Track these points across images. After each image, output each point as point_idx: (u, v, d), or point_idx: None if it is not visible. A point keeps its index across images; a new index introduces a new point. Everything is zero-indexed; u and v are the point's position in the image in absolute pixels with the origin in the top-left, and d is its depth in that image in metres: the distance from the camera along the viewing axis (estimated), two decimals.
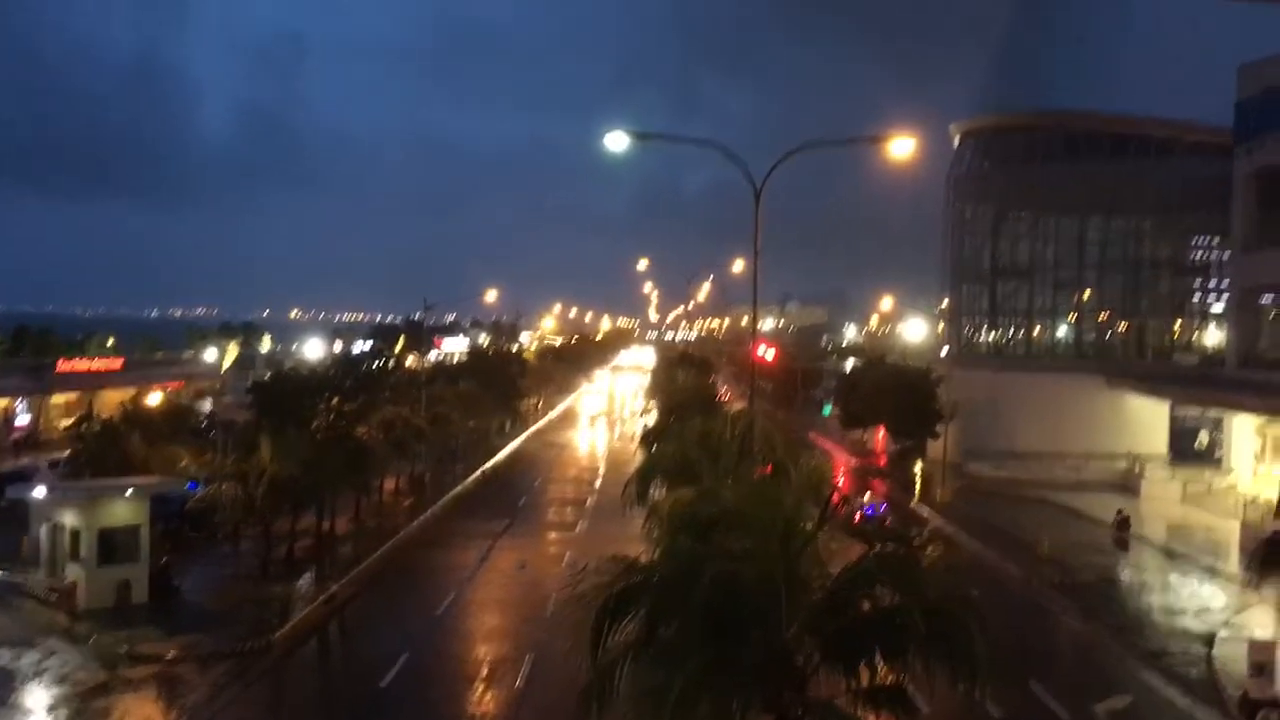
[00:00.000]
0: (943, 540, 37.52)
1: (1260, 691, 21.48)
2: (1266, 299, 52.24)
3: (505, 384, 74.49)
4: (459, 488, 52.26)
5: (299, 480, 34.17)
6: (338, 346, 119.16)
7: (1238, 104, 48.30)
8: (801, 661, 11.85)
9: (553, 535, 42.37)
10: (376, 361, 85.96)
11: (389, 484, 47.71)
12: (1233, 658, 24.89)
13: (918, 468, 56.66)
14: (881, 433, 67.28)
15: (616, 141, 25.10)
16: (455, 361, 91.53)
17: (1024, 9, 67.51)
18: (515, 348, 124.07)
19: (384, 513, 44.45)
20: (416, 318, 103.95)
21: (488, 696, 23.72)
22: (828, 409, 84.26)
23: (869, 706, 11.73)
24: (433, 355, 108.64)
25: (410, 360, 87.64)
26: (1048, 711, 22.74)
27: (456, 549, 39.57)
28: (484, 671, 25.42)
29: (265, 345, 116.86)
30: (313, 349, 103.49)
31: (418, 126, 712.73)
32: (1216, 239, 59.02)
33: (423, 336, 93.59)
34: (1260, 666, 21.64)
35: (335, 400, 44.07)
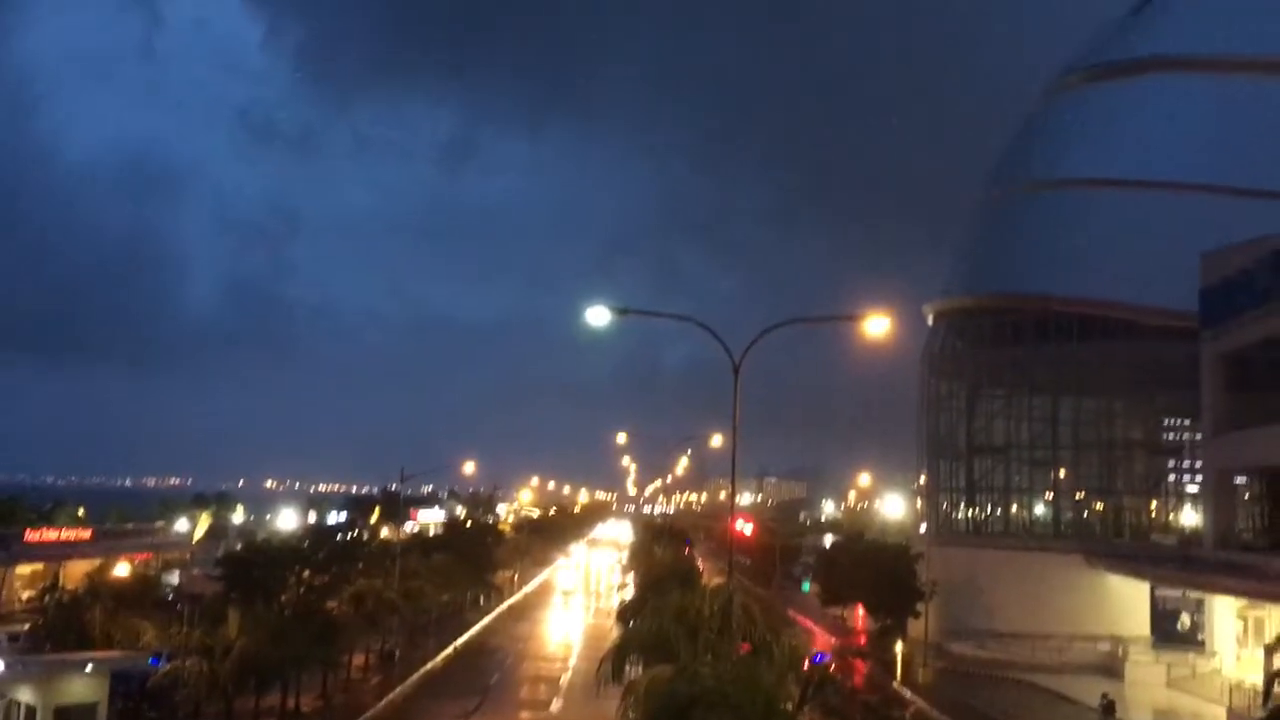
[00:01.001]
0: None
1: None
2: (1240, 480, 52.72)
3: (481, 557, 73.55)
4: (430, 664, 50.94)
5: (267, 655, 33.34)
6: (312, 517, 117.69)
7: (1202, 290, 49.87)
8: None
9: (525, 715, 41.14)
10: (350, 533, 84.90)
11: (358, 659, 46.49)
12: None
13: (898, 647, 55.70)
14: (861, 611, 66.42)
15: (598, 316, 25.72)
16: (431, 533, 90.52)
17: (991, 198, 70.13)
18: (492, 520, 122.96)
19: (352, 690, 43.16)
20: (393, 488, 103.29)
21: None
22: (806, 585, 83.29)
23: None
24: (408, 526, 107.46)
25: (385, 532, 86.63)
26: None
27: None
28: None
29: (238, 516, 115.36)
30: (286, 520, 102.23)
31: (403, 299, 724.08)
32: (1187, 420, 59.95)
33: (398, 507, 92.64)
34: None
35: (306, 573, 43.42)
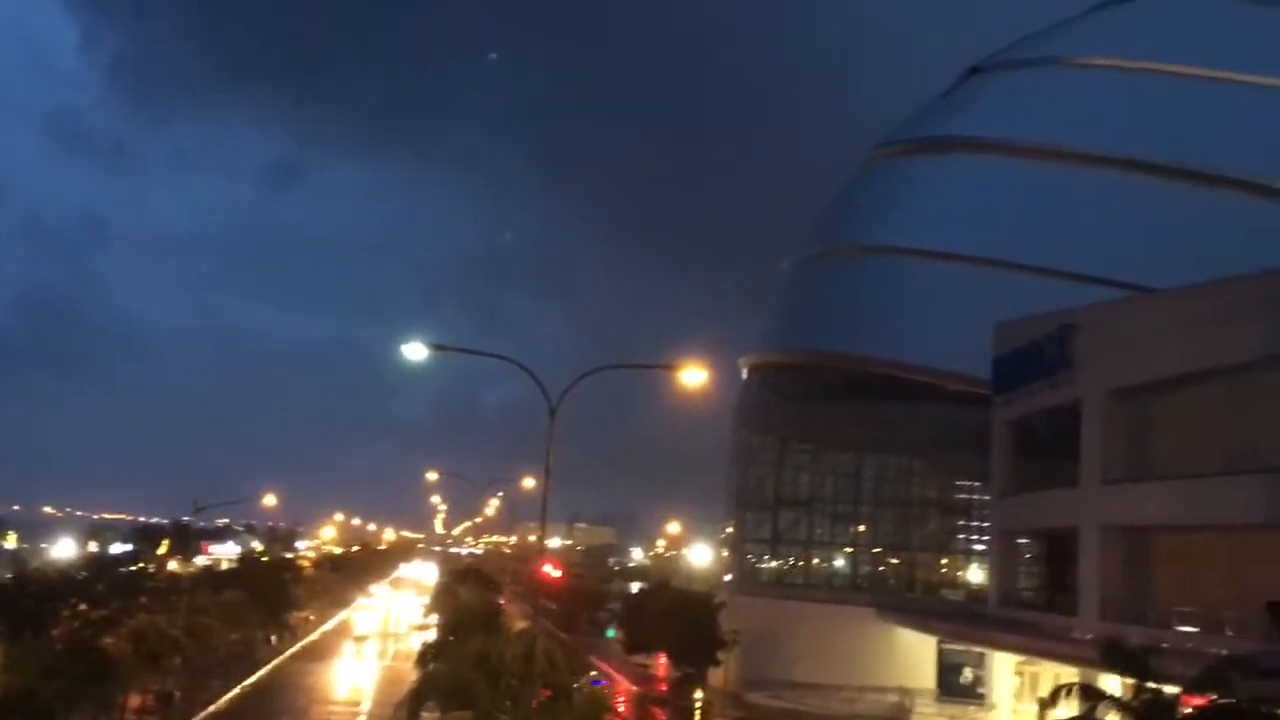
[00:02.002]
0: None
1: None
2: (1022, 541, 55.68)
3: (276, 595, 70.47)
4: (213, 706, 48.25)
5: (35, 693, 30.83)
6: (94, 547, 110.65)
7: (995, 359, 52.69)
8: None
9: None
10: (135, 565, 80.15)
11: (135, 700, 43.61)
12: None
13: (698, 695, 56.17)
14: (663, 658, 66.70)
15: (415, 351, 25.22)
16: (223, 568, 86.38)
17: (807, 258, 72.69)
18: (291, 556, 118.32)
19: None
20: (184, 520, 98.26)
21: None
22: (611, 632, 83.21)
23: None
24: (199, 560, 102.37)
25: (173, 565, 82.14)
26: None
27: None
28: None
29: (10, 542, 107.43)
30: (64, 548, 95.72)
31: (215, 323, 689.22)
32: (978, 482, 62.99)
33: (189, 540, 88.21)
34: None
35: (82, 606, 40.64)
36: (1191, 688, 25.36)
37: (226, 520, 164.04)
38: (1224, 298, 36.75)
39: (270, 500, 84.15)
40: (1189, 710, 24.94)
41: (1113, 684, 27.96)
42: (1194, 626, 35.83)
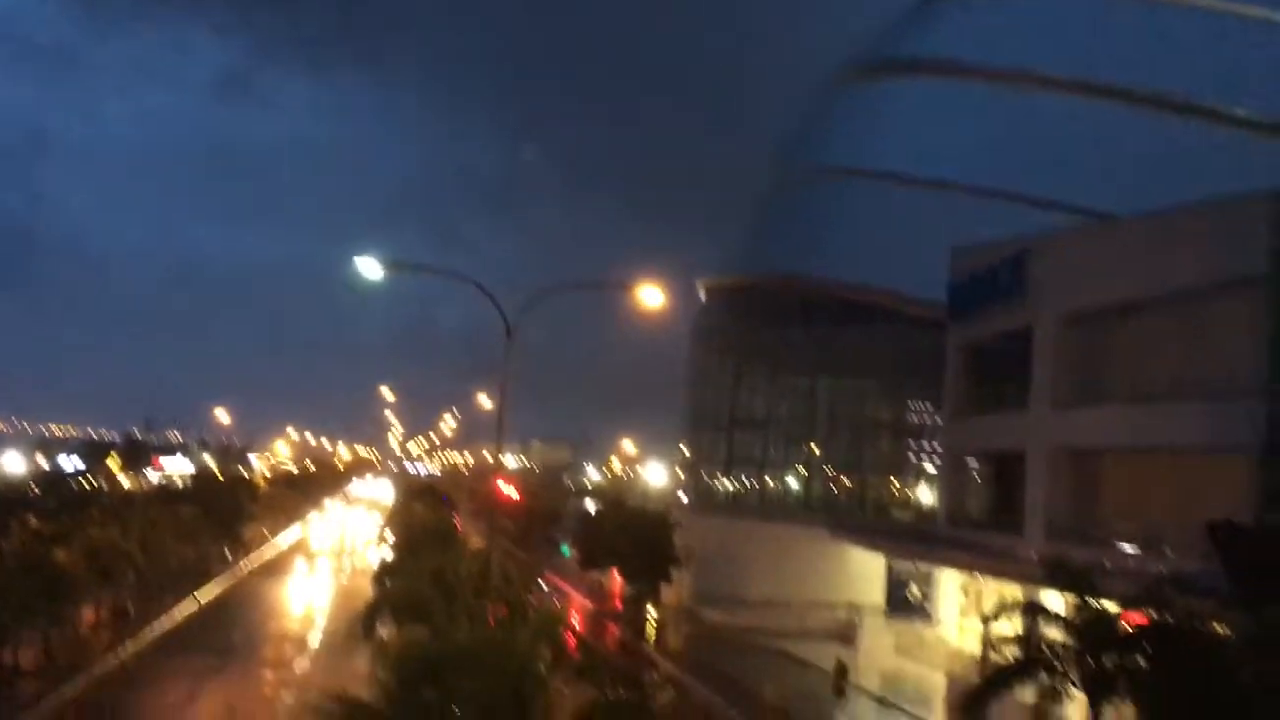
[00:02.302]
0: (673, 686, 37.70)
1: None
2: (972, 463, 56.60)
3: (230, 510, 70.45)
4: (170, 621, 48.40)
5: None
6: (42, 461, 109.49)
7: (951, 283, 52.99)
8: None
9: (270, 674, 39.69)
10: (87, 480, 79.49)
11: (89, 615, 43.60)
12: None
13: (652, 612, 57.11)
14: (618, 575, 67.59)
15: (369, 268, 24.89)
16: (177, 484, 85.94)
17: (770, 181, 72.38)
18: (244, 472, 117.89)
19: (79, 647, 40.42)
20: (137, 435, 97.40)
21: None
22: (566, 549, 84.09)
23: None
24: (152, 476, 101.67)
25: (126, 480, 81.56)
26: None
27: (159, 689, 36.32)
28: None
29: None
30: (12, 462, 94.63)
31: (167, 237, 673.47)
32: (931, 405, 63.82)
33: (142, 455, 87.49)
34: None
35: (33, 520, 40.31)
36: (1130, 605, 26.08)
37: (178, 435, 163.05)
38: (1177, 225, 37.04)
39: (222, 416, 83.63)
40: (1128, 626, 25.70)
41: (1055, 601, 28.67)
42: (1136, 546, 36.77)
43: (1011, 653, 26.28)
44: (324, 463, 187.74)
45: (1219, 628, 22.91)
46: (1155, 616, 25.07)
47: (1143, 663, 24.28)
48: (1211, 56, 53.83)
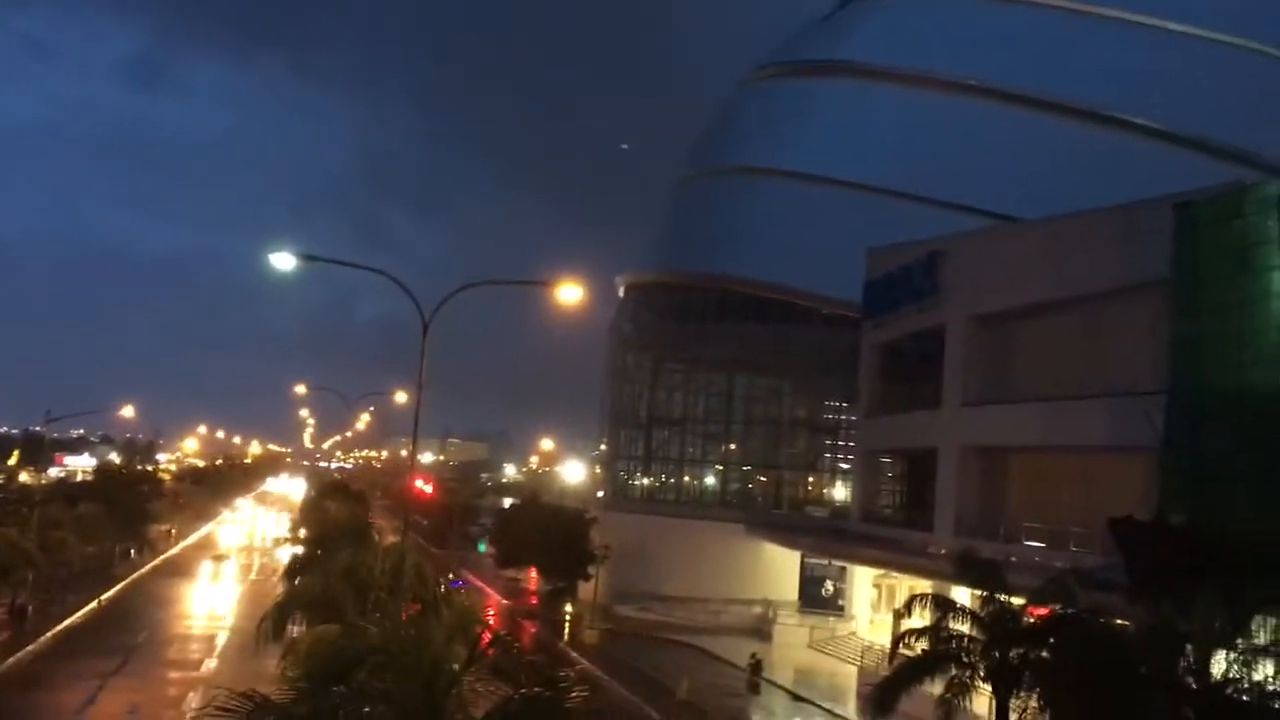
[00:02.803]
0: (588, 683, 37.56)
1: None
2: (885, 460, 57.54)
3: (135, 508, 68.63)
4: (68, 621, 46.94)
5: None
6: None
7: (866, 283, 53.83)
8: None
9: (175, 675, 38.68)
10: None
11: None
12: None
13: (568, 609, 57.03)
14: (534, 573, 67.37)
15: (282, 261, 24.45)
16: (79, 480, 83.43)
17: (685, 179, 72.70)
18: (151, 469, 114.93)
19: None
20: (37, 430, 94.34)
21: None
22: (483, 546, 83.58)
23: None
24: (53, 472, 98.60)
25: (25, 476, 78.93)
26: None
27: (57, 690, 35.16)
28: None
29: None
30: None
31: (72, 225, 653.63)
32: (845, 404, 64.72)
33: (43, 451, 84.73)
34: None
35: None
36: (1036, 599, 26.74)
37: (81, 431, 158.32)
38: (1081, 229, 38.08)
39: (128, 411, 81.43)
40: (1032, 620, 26.33)
41: (964, 596, 29.27)
42: (1042, 542, 37.72)
43: (921, 646, 26.75)
44: (235, 460, 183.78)
45: (1120, 621, 23.58)
46: (1059, 610, 25.75)
47: (1047, 655, 24.89)
48: (1118, 66, 55.44)
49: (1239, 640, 20.24)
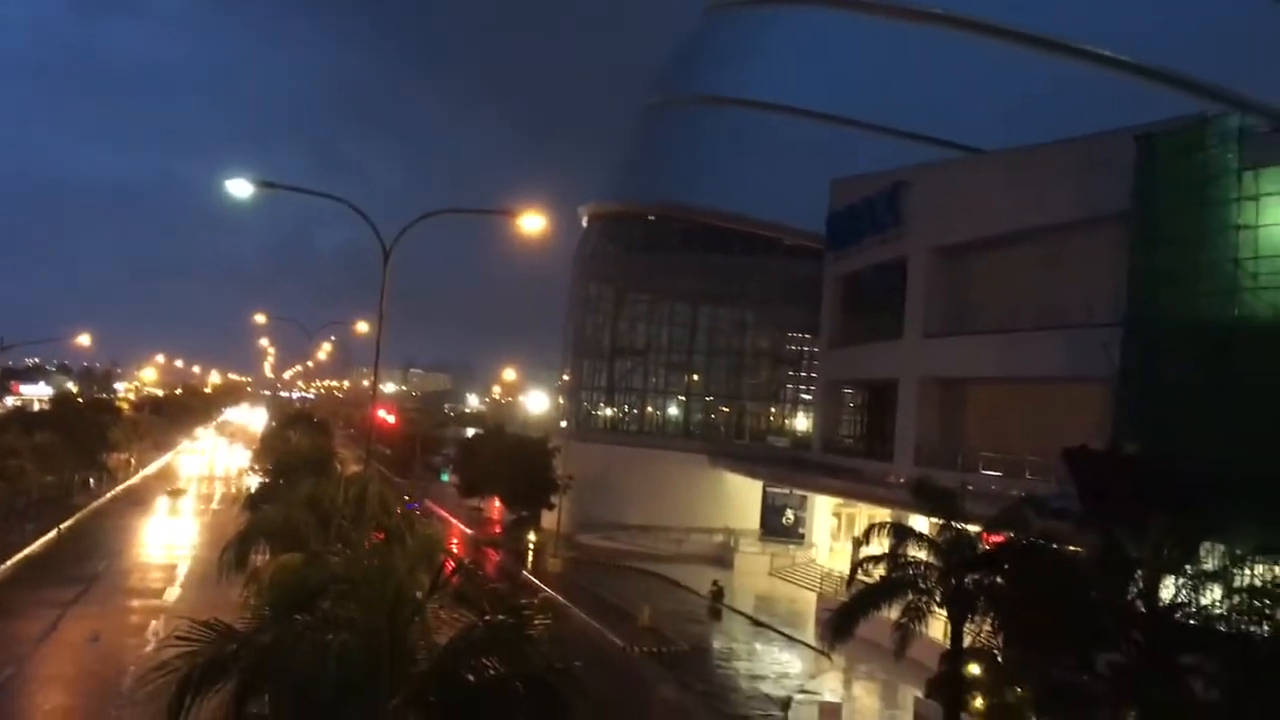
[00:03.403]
0: (551, 610, 37.94)
1: None
2: (847, 391, 58.02)
3: (93, 437, 67.97)
4: (27, 549, 46.70)
5: None
6: None
7: (829, 214, 53.74)
8: None
9: (136, 603, 38.69)
10: None
11: None
12: None
13: (531, 538, 57.47)
14: (498, 502, 67.72)
15: (239, 188, 24.03)
16: (35, 409, 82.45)
17: (649, 108, 71.85)
18: (109, 398, 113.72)
19: None
20: None
21: None
22: (445, 476, 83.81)
23: None
24: (8, 401, 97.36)
25: None
26: None
27: (18, 619, 35.05)
28: None
29: None
30: None
31: (17, 151, 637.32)
32: (808, 335, 65.02)
33: None
34: None
35: None
36: (991, 526, 27.25)
37: (37, 360, 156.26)
38: (1043, 160, 38.11)
39: (84, 340, 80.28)
40: (988, 546, 26.85)
41: (922, 524, 29.74)
42: (999, 471, 38.30)
43: (879, 573, 27.23)
44: (195, 390, 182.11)
45: (1072, 548, 24.08)
46: (1013, 537, 26.26)
47: (1001, 581, 25.43)
48: None
49: (1187, 566, 20.75)
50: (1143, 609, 20.71)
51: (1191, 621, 20.13)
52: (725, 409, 70.38)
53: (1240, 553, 20.52)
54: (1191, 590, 20.33)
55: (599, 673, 24.55)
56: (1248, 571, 20.64)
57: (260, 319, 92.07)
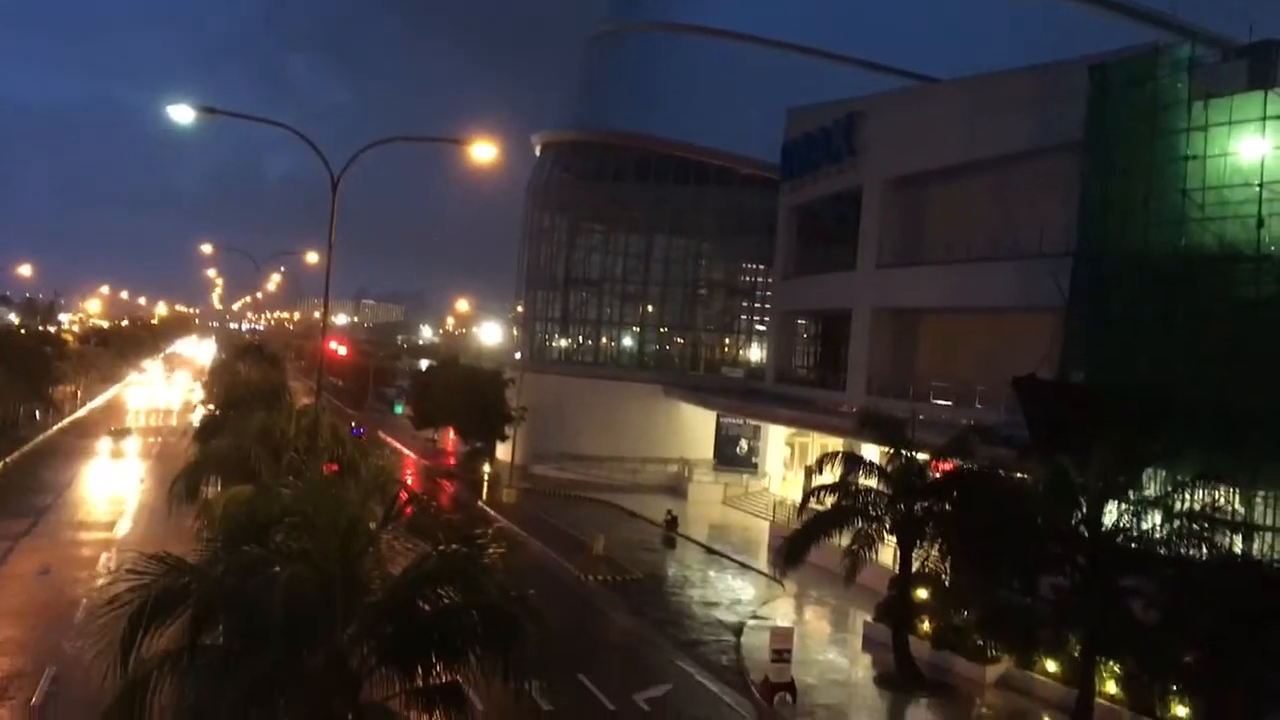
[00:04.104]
0: (506, 540, 38.19)
1: (779, 676, 23.73)
2: (800, 322, 58.29)
3: (38, 370, 66.78)
4: None
5: None
6: None
7: (784, 144, 53.45)
8: (356, 664, 11.47)
9: (86, 536, 38.36)
10: None
11: None
12: (758, 645, 27.36)
13: (486, 469, 57.56)
14: (452, 433, 67.66)
15: (180, 114, 23.46)
16: None
17: (603, 34, 70.73)
18: (53, 330, 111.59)
19: None
20: None
21: None
22: (399, 408, 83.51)
23: (424, 706, 11.56)
24: None
25: None
26: (595, 702, 23.79)
27: None
28: None
29: None
30: None
31: None
32: (762, 265, 65.03)
33: None
34: (779, 653, 23.90)
35: None
36: (940, 455, 27.69)
37: None
38: (997, 90, 38.06)
39: (25, 270, 78.57)
40: (936, 475, 27.31)
41: (873, 453, 30.12)
42: (949, 400, 38.81)
43: (831, 501, 27.64)
44: (142, 322, 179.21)
45: (1020, 475, 24.54)
46: (962, 465, 26.71)
47: (949, 508, 25.93)
48: None
49: (1130, 492, 21.23)
50: (1086, 534, 21.21)
51: (1133, 545, 20.66)
52: (680, 340, 70.49)
53: (1182, 479, 21.00)
54: (1134, 515, 20.83)
55: (554, 601, 24.82)
56: (1188, 497, 21.14)
57: (207, 249, 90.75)
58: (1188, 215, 26.60)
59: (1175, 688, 21.19)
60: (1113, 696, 22.78)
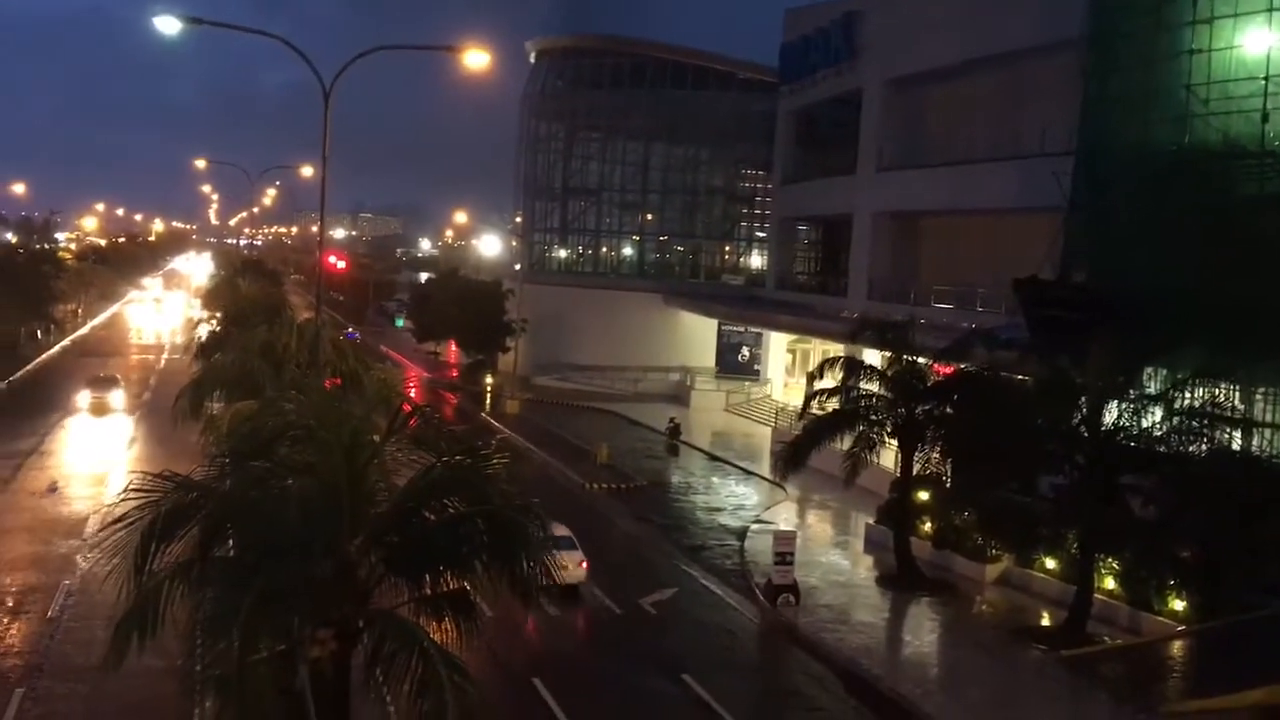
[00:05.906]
0: (510, 450, 38.58)
1: (782, 578, 24.10)
2: (801, 228, 57.95)
3: (38, 288, 66.66)
4: None
5: None
6: None
7: (783, 47, 52.53)
8: (365, 574, 11.63)
9: (93, 453, 38.71)
10: None
11: None
12: (761, 549, 27.76)
13: (488, 380, 57.80)
14: (453, 346, 67.82)
15: (167, 25, 23.05)
16: None
17: None
18: (50, 248, 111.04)
19: None
20: None
21: (13, 629, 21.23)
22: (400, 321, 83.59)
23: (432, 614, 11.74)
24: None
25: None
26: (602, 607, 24.22)
27: None
28: (8, 602, 22.71)
29: None
30: None
31: None
32: (762, 171, 64.42)
33: None
34: (782, 556, 24.24)
35: None
36: (940, 358, 27.74)
37: None
38: None
39: (20, 189, 77.92)
40: (937, 377, 27.38)
41: (874, 358, 30.16)
42: (950, 304, 38.74)
43: (832, 406, 27.77)
44: (139, 239, 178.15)
45: (1020, 376, 24.61)
46: (962, 368, 26.76)
47: (950, 410, 26.04)
48: None
49: (1130, 390, 21.30)
50: (1086, 433, 21.35)
51: (1133, 444, 20.80)
52: (680, 248, 70.17)
53: (1181, 376, 21.06)
54: (1133, 413, 20.94)
55: (558, 509, 25.07)
56: (1188, 394, 21.22)
57: (201, 164, 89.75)
58: (1191, 111, 26.16)
59: (1172, 582, 21.54)
60: (1110, 592, 23.15)
